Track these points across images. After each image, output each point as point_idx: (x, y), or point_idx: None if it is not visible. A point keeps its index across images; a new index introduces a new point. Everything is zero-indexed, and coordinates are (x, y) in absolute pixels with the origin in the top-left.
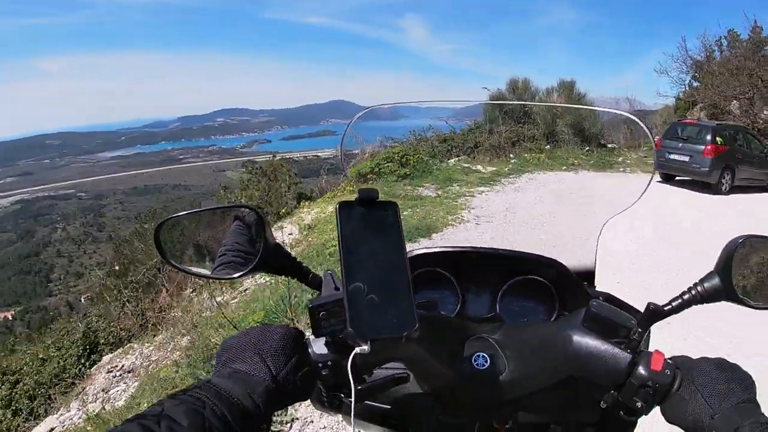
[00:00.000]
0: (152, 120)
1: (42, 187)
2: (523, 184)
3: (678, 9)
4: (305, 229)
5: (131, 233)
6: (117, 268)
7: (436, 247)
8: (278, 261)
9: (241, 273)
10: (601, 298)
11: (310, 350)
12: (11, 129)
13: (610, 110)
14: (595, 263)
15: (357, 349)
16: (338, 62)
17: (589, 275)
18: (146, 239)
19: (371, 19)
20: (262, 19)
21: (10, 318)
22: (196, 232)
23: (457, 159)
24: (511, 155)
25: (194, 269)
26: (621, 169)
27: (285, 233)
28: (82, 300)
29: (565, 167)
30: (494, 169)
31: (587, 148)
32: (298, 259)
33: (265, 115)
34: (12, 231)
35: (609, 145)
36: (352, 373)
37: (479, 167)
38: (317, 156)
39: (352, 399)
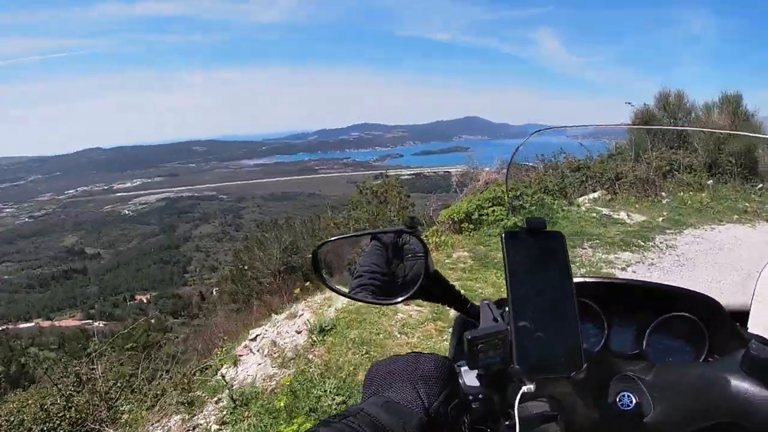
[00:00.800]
0: (292, 132)
1: (187, 187)
2: (687, 248)
3: None
4: None
5: (252, 241)
6: (233, 272)
7: (584, 277)
8: (439, 289)
9: (402, 298)
10: (756, 341)
11: (461, 381)
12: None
13: None
14: (751, 303)
15: (524, 388)
16: (470, 77)
17: (742, 315)
18: (265, 248)
19: (503, 33)
20: (395, 36)
21: (145, 301)
22: (353, 255)
23: (592, 197)
24: (663, 192)
25: (353, 294)
26: None
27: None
28: (214, 292)
29: (736, 216)
30: (643, 218)
31: (760, 186)
32: (456, 287)
33: (398, 130)
34: (156, 225)
35: None
36: (518, 412)
37: (622, 214)
38: (448, 172)
39: None
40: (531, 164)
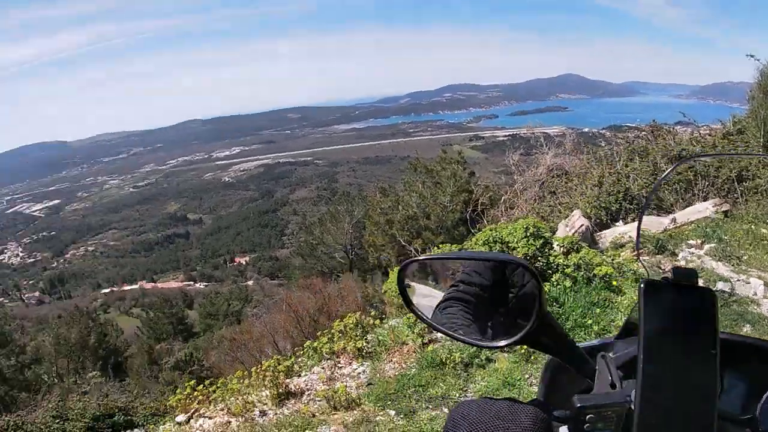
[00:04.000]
0: (384, 96)
1: (283, 154)
2: None
3: None
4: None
5: (324, 214)
6: (302, 247)
7: None
8: (550, 337)
9: (505, 342)
10: None
11: None
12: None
13: None
14: None
15: None
16: (565, 33)
17: None
18: (336, 221)
19: None
20: None
21: (244, 263)
22: (446, 277)
23: (703, 209)
24: None
25: (443, 327)
26: None
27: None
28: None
29: None
30: None
31: None
32: (569, 336)
33: (492, 90)
34: (255, 190)
35: None
36: None
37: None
38: (546, 133)
39: None
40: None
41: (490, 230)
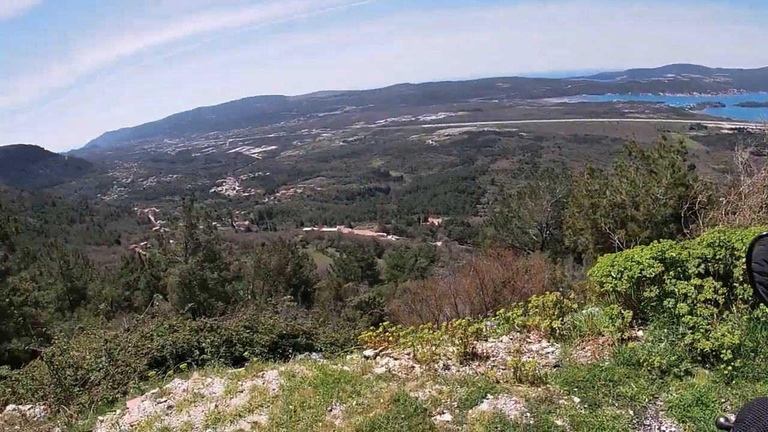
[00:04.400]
0: (600, 71)
1: (488, 122)
2: None
3: None
4: None
5: (524, 187)
6: (497, 217)
7: None
8: None
9: None
10: None
11: None
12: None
13: None
14: None
15: None
16: None
17: None
18: (536, 197)
19: None
20: None
21: (437, 224)
22: None
23: None
24: None
25: None
26: None
27: None
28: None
29: None
30: None
31: None
32: None
33: (720, 74)
34: (456, 156)
35: None
36: None
37: None
38: None
39: None
40: None
41: (719, 233)
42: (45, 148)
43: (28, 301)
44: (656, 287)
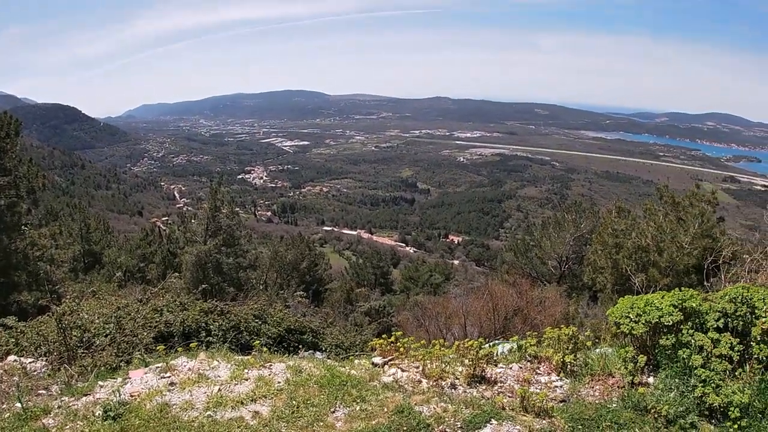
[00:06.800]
0: (640, 110)
1: (522, 147)
2: None
3: None
4: None
5: (549, 218)
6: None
7: None
8: None
9: None
10: None
11: None
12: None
13: None
14: None
15: None
16: None
17: None
18: (560, 229)
19: None
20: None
21: (456, 242)
22: None
23: None
24: None
25: None
26: None
27: None
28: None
29: None
30: None
31: None
32: None
33: (761, 128)
34: (486, 176)
35: None
36: None
37: None
38: None
39: None
40: None
41: (742, 289)
42: (82, 111)
43: (44, 257)
44: (673, 336)
